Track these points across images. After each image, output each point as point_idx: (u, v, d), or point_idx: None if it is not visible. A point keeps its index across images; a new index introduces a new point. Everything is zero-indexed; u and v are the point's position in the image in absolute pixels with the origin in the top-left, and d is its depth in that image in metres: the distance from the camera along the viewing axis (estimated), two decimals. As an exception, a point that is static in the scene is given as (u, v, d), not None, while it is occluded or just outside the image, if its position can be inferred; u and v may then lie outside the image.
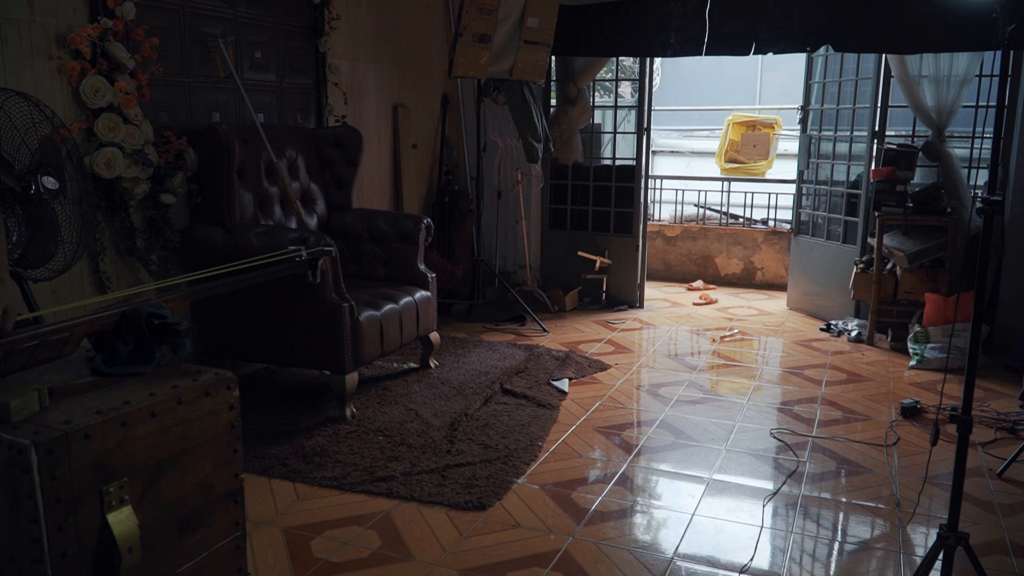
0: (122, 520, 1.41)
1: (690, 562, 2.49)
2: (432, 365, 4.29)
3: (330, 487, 2.94)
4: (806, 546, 2.63)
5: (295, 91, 4.36)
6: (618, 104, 6.38)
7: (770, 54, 5.10)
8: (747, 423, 3.66)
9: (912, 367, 4.52)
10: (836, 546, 2.64)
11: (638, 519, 2.79)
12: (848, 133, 5.36)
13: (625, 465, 3.20)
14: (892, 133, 5.27)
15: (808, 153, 5.72)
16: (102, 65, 3.13)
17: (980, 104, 4.96)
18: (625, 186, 5.89)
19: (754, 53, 5.10)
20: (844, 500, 2.94)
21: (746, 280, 6.88)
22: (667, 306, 6.08)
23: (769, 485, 3.05)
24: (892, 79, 5.00)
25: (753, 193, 7.57)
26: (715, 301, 6.23)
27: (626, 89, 8.16)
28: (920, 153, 4.94)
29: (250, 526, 2.63)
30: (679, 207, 7.86)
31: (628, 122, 6.17)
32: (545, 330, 5.19)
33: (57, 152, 2.34)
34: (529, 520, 2.74)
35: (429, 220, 4.24)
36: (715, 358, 4.74)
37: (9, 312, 1.44)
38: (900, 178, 4.85)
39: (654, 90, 6.50)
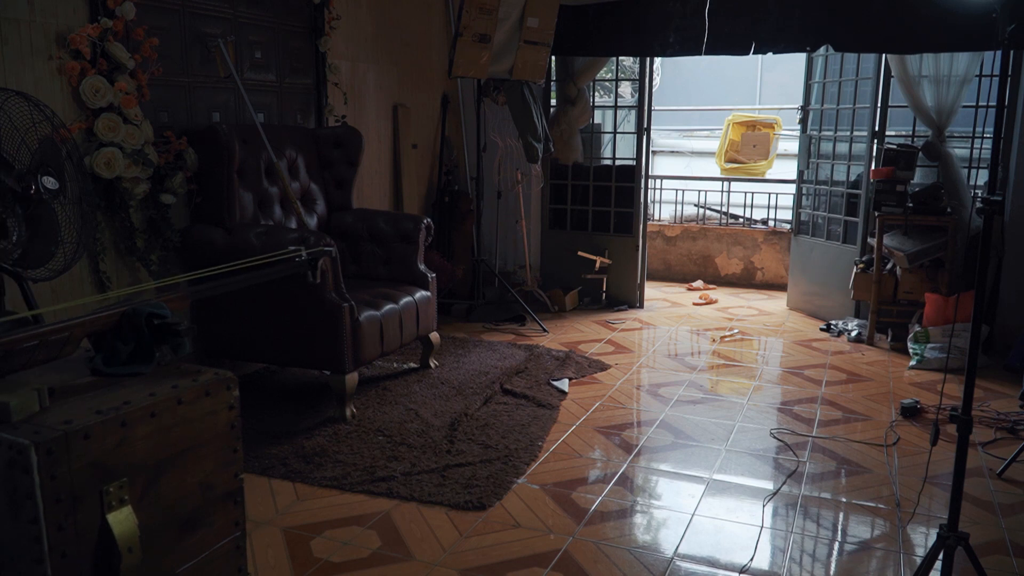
0: (122, 520, 1.41)
1: (690, 562, 2.49)
2: (432, 365, 4.29)
3: (330, 487, 2.94)
4: (806, 546, 2.63)
5: (295, 91, 4.36)
6: (618, 104, 6.38)
7: (770, 54, 5.11)
8: (747, 423, 3.66)
9: (912, 367, 4.52)
10: (836, 546, 2.64)
11: (638, 519, 2.79)
12: (848, 133, 5.36)
13: (625, 465, 3.20)
14: (892, 133, 5.27)
15: (808, 153, 5.72)
16: (102, 65, 3.13)
17: (980, 104, 4.96)
18: (625, 186, 5.89)
19: (754, 53, 5.10)
20: (844, 500, 2.94)
21: (746, 280, 6.88)
22: (667, 306, 6.08)
23: (769, 485, 3.05)
24: (892, 79, 5.00)
25: (753, 193, 7.57)
26: (715, 301, 6.23)
27: (626, 89, 8.16)
28: (920, 153, 4.94)
29: (250, 526, 2.63)
30: (679, 207, 7.86)
31: (628, 122, 6.17)
32: (545, 330, 5.19)
33: (57, 152, 2.34)
34: (529, 520, 2.74)
35: (429, 220, 4.24)
36: (715, 358, 4.74)
37: None
38: (900, 178, 4.84)
39: (654, 90, 6.50)
